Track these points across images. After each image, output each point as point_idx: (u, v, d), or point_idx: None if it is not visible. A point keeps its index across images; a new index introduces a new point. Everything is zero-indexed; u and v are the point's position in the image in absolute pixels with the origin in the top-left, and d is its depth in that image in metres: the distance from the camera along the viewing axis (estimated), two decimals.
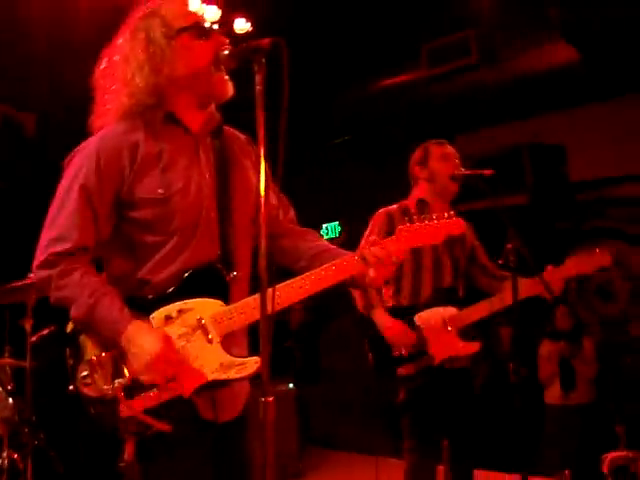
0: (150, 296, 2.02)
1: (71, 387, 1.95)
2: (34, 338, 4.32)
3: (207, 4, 5.98)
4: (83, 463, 4.49)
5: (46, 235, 2.01)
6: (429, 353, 3.36)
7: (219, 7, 6.03)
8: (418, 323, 3.42)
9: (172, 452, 1.99)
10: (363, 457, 4.95)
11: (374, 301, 3.41)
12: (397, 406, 3.43)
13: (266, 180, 1.88)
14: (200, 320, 2.00)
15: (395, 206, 3.63)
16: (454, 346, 3.41)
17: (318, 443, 6.69)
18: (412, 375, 3.35)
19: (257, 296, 1.84)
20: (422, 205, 3.59)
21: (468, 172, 3.57)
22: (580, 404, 5.75)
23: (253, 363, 2.02)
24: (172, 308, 2.00)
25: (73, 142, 2.14)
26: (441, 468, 3.52)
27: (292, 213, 2.40)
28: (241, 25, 6.26)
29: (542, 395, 5.89)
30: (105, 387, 1.92)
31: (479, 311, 3.46)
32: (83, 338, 1.99)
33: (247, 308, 2.02)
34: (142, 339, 1.91)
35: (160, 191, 2.02)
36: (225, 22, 6.07)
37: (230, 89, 2.15)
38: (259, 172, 1.85)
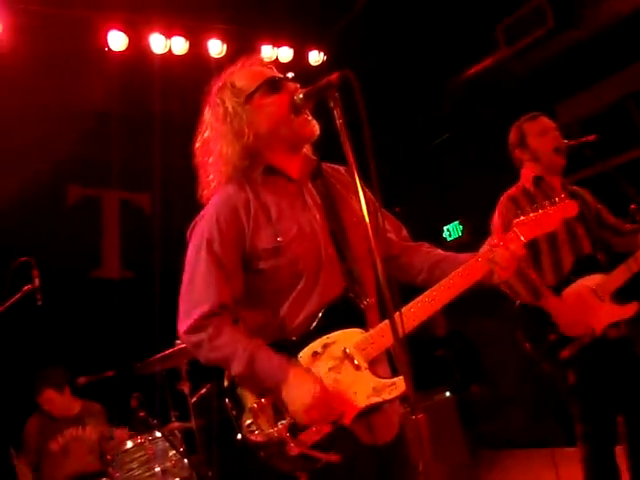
0: (294, 337, 2.12)
1: (239, 437, 2.03)
2: (194, 399, 4.53)
3: (278, 47, 6.19)
4: None
5: (185, 301, 2.13)
6: (589, 327, 3.22)
7: (290, 47, 6.22)
8: (567, 300, 3.28)
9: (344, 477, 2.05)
10: (538, 451, 4.78)
11: (541, 289, 3.29)
12: (567, 391, 3.29)
13: (371, 206, 1.99)
14: (345, 350, 2.09)
15: (514, 189, 3.53)
16: (611, 313, 3.27)
17: (490, 445, 6.55)
18: (577, 355, 3.20)
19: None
20: (538, 182, 3.49)
21: (572, 142, 3.45)
22: None
23: (400, 382, 2.06)
24: (317, 344, 2.10)
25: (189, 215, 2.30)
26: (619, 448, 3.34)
27: (404, 232, 2.47)
28: (315, 57, 6.41)
29: None
30: (270, 430, 1.99)
31: (625, 271, 3.34)
32: (240, 390, 2.08)
33: (386, 331, 2.06)
34: (304, 383, 2.00)
35: (279, 239, 2.13)
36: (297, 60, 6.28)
37: (315, 128, 2.26)
38: (366, 199, 1.94)
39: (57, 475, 4.66)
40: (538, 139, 3.48)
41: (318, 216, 2.23)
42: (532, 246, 3.31)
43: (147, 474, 4.00)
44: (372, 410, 2.09)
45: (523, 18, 5.79)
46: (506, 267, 2.21)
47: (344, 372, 2.07)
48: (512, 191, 3.52)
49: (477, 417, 6.77)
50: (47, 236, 5.40)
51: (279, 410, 2.03)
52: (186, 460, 4.07)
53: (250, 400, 2.06)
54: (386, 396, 2.07)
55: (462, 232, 7.49)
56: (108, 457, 4.09)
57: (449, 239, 7.62)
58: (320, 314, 2.12)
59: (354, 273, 2.20)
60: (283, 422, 2.00)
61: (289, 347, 2.10)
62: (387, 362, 2.21)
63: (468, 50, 6.27)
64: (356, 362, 2.07)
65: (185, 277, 2.17)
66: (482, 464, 5.69)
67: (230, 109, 2.23)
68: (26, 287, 4.02)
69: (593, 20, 5.53)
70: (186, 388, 4.44)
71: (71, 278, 5.65)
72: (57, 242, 5.50)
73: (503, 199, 3.50)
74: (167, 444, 4.06)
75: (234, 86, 2.26)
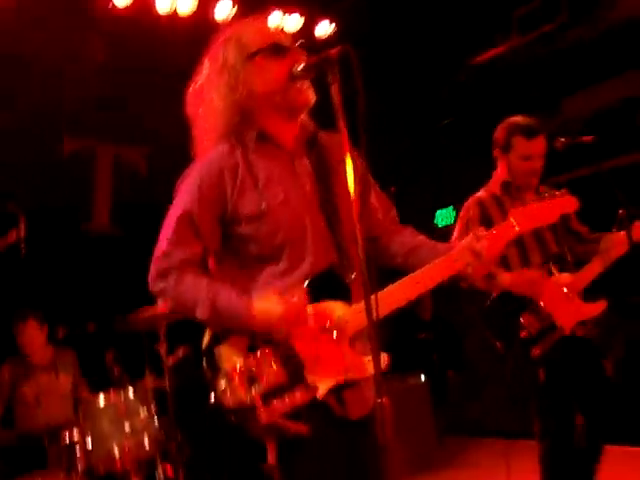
0: None
1: (212, 399, 2.03)
2: (170, 360, 4.58)
3: (289, 14, 6.10)
4: (230, 471, 4.71)
5: (155, 254, 2.17)
6: (558, 325, 3.24)
7: (301, 15, 6.12)
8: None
9: (311, 452, 2.05)
10: (504, 441, 4.82)
11: (493, 270, 3.26)
12: (535, 388, 3.33)
13: (364, 180, 2.03)
14: (329, 324, 2.08)
15: (482, 192, 3.51)
16: (581, 311, 3.30)
17: (459, 432, 6.63)
18: (547, 352, 3.23)
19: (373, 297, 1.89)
20: (507, 187, 3.47)
21: (569, 140, 3.40)
22: None
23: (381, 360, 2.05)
24: None
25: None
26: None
27: (393, 213, 2.44)
28: (325, 29, 6.31)
29: None
30: (243, 396, 1.99)
31: (593, 270, 3.38)
32: (218, 351, 2.07)
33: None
34: (268, 303, 2.03)
35: (263, 206, 2.12)
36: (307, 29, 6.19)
37: (309, 97, 2.22)
38: (357, 175, 1.91)
39: (30, 425, 4.71)
40: (520, 161, 3.40)
41: (308, 187, 2.21)
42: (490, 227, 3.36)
43: (116, 432, 4.04)
44: (347, 385, 2.07)
45: (538, 8, 5.72)
46: (488, 261, 2.18)
47: (322, 344, 2.07)
48: (481, 194, 3.50)
49: (449, 403, 6.86)
50: (40, 185, 5.37)
51: (254, 377, 2.02)
52: (156, 420, 4.11)
53: (227, 363, 2.05)
54: (361, 374, 2.06)
55: (454, 219, 7.45)
56: (79, 412, 4.12)
57: (440, 224, 7.59)
58: (305, 285, 2.10)
59: (343, 247, 2.19)
60: (257, 388, 2.00)
61: None
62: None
63: (481, 34, 6.20)
64: (335, 334, 2.07)
65: (161, 232, 2.20)
66: (447, 450, 5.77)
67: (229, 62, 2.20)
68: (11, 236, 4.01)
69: (607, 16, 5.46)
70: (163, 349, 4.49)
71: (60, 229, 5.65)
72: (49, 192, 5.47)
73: (471, 202, 3.47)
74: (138, 402, 4.09)
75: (239, 40, 2.23)
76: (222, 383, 2.01)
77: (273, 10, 5.96)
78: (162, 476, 4.34)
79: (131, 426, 4.08)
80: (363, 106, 1.89)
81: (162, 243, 2.16)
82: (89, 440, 4.01)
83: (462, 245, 2.20)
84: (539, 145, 3.40)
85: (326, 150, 2.31)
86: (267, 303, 2.04)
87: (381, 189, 2.43)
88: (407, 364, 6.06)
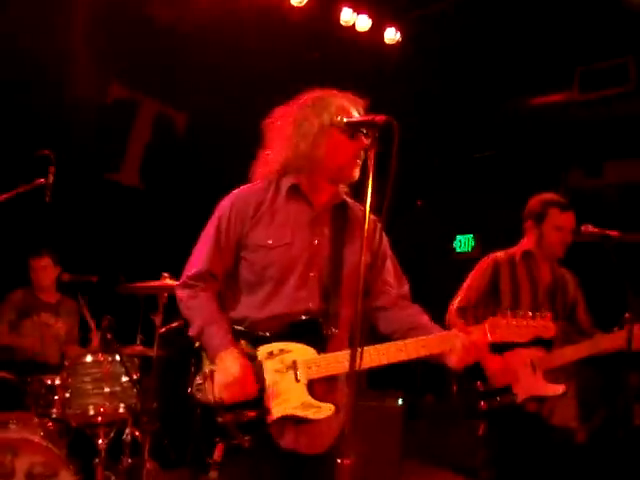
0: (260, 333, 2.40)
1: (189, 390, 2.41)
2: (163, 330, 4.65)
3: (358, 13, 6.06)
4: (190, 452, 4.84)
5: (187, 264, 2.52)
6: (513, 391, 3.37)
7: (370, 17, 6.08)
8: (506, 357, 3.40)
9: (249, 465, 2.36)
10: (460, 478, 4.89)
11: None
12: (476, 438, 3.44)
13: (381, 252, 2.38)
14: (294, 361, 2.35)
15: (502, 253, 3.63)
16: (538, 386, 3.40)
17: (424, 459, 6.70)
18: (493, 411, 3.35)
19: (347, 352, 2.16)
20: (528, 257, 3.60)
21: (595, 231, 3.44)
22: None
23: (327, 410, 2.34)
24: (276, 346, 2.38)
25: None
26: None
27: (406, 288, 2.62)
28: (391, 35, 6.27)
29: None
30: (210, 396, 2.32)
31: (567, 355, 3.47)
32: (203, 355, 2.42)
33: (336, 361, 2.34)
34: (229, 363, 2.31)
35: (269, 242, 2.41)
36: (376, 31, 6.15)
37: (357, 174, 2.46)
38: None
39: (21, 349, 4.93)
40: (554, 231, 3.55)
41: (317, 242, 2.44)
42: (495, 292, 3.51)
43: (95, 391, 4.13)
44: (298, 421, 2.33)
45: (606, 70, 5.65)
46: (460, 359, 2.36)
47: (285, 379, 2.34)
48: (499, 255, 3.60)
49: (421, 428, 6.92)
50: (76, 128, 5.40)
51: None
52: (136, 388, 4.20)
53: (206, 365, 2.39)
54: (309, 415, 2.32)
55: (472, 247, 7.47)
56: (65, 363, 4.22)
57: (458, 250, 7.62)
58: (288, 324, 2.37)
59: (334, 303, 2.41)
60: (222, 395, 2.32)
61: (254, 339, 2.40)
62: (338, 391, 2.42)
63: (540, 79, 6.13)
64: (298, 375, 2.33)
65: (197, 243, 2.54)
66: (406, 475, 5.84)
67: (310, 121, 2.42)
68: (39, 180, 4.06)
69: None
70: (158, 320, 4.55)
71: (86, 175, 5.70)
72: (84, 135, 5.50)
73: (488, 260, 3.60)
74: (123, 369, 4.17)
75: (327, 108, 2.42)
76: (199, 380, 2.39)
77: (344, 6, 5.95)
78: (129, 440, 4.46)
79: (111, 389, 4.18)
80: (392, 180, 1.99)
81: (194, 257, 2.51)
82: (69, 392, 4.11)
83: (454, 334, 2.40)
84: (571, 219, 3.55)
85: (350, 217, 2.53)
86: (231, 363, 2.31)
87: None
88: (387, 381, 6.11)
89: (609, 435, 5.92)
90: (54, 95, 5.15)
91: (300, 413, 2.32)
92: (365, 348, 2.13)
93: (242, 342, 2.39)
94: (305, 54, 5.99)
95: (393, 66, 6.09)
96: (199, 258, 2.48)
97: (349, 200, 2.56)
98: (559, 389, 3.44)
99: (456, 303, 3.61)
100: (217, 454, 2.41)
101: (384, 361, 2.35)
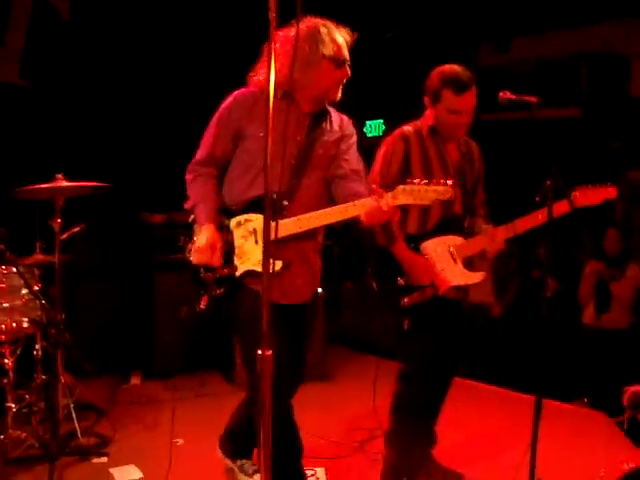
0: (233, 208, 3.00)
1: (185, 254, 3.06)
2: (64, 235, 4.34)
3: None
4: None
5: (195, 154, 3.09)
6: (434, 283, 3.30)
7: None
8: (424, 252, 3.34)
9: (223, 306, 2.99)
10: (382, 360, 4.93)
11: (396, 235, 3.29)
12: (398, 335, 3.38)
13: (346, 141, 3.04)
14: (255, 229, 2.92)
15: (410, 127, 3.44)
16: (459, 275, 3.36)
17: (344, 344, 6.78)
18: (416, 305, 3.29)
19: (290, 220, 2.84)
20: (434, 132, 3.42)
21: (513, 97, 3.26)
22: (614, 329, 5.65)
23: (277, 265, 2.77)
24: (242, 218, 2.97)
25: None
26: None
27: (361, 168, 3.09)
28: None
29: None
30: (192, 258, 2.97)
31: (483, 242, 3.40)
32: (195, 226, 3.02)
33: (288, 226, 2.83)
34: (202, 236, 2.92)
35: (261, 134, 2.84)
36: None
37: (339, 95, 3.01)
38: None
39: None
40: (447, 114, 3.33)
41: (299, 138, 2.97)
42: (407, 169, 3.39)
43: None
44: (254, 274, 2.87)
45: None
46: (370, 218, 2.77)
47: (248, 242, 2.95)
48: (407, 129, 3.43)
49: (341, 314, 6.98)
50: None
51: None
52: (39, 300, 3.90)
53: (195, 234, 3.01)
54: (258, 268, 2.83)
55: (383, 132, 7.35)
56: None
57: (368, 135, 7.51)
58: (250, 201, 2.93)
59: (295, 185, 2.94)
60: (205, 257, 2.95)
61: (230, 211, 3.00)
62: (287, 250, 2.91)
63: None
64: (257, 239, 2.90)
65: (203, 136, 3.08)
66: (328, 361, 5.89)
67: (310, 49, 2.85)
68: None
69: None
70: (57, 225, 4.23)
71: None
72: None
73: (396, 135, 3.41)
74: (22, 281, 3.87)
75: (324, 39, 2.86)
76: (190, 247, 3.03)
77: None
78: (40, 356, 4.23)
79: (10, 304, 3.90)
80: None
81: (200, 145, 3.08)
82: None
83: (367, 199, 2.79)
84: (468, 101, 3.32)
85: (328, 122, 3.05)
86: (203, 233, 2.92)
87: None
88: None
89: (523, 308, 6.13)
90: None
91: (258, 269, 2.83)
92: (294, 218, 2.84)
93: (222, 216, 2.98)
94: None
95: None
96: (202, 146, 3.06)
97: (330, 108, 3.07)
98: (479, 276, 3.41)
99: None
100: (203, 303, 2.98)
101: (306, 227, 2.86)
